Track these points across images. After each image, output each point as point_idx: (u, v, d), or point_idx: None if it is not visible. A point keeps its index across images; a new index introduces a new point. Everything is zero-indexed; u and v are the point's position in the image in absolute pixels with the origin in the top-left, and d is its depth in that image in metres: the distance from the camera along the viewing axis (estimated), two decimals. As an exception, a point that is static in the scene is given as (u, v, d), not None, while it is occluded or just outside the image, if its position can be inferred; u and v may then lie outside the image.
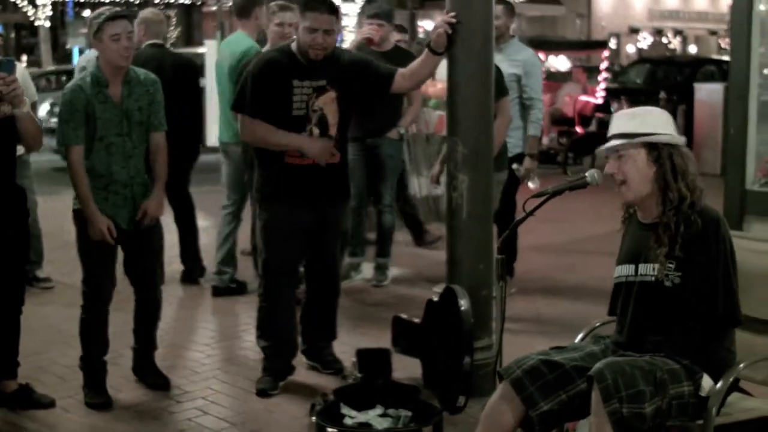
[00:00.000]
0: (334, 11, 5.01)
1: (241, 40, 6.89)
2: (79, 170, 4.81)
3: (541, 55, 16.53)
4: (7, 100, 4.50)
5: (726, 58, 18.80)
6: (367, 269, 7.63)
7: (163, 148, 5.08)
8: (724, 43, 44.38)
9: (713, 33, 46.06)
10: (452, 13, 4.88)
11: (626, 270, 3.62)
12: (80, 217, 4.92)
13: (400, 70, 5.11)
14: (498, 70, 6.25)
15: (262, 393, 5.19)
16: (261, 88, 4.99)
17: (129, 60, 4.89)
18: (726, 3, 43.14)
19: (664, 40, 44.63)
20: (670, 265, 3.44)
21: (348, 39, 17.03)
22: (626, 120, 3.60)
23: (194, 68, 7.90)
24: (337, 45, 5.44)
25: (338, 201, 5.28)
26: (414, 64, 5.09)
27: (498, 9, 5.69)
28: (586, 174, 3.66)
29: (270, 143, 5.04)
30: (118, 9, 4.98)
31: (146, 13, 7.45)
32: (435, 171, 6.93)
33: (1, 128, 4.61)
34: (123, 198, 4.92)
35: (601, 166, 3.78)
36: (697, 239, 3.44)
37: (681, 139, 3.57)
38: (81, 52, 24.39)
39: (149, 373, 5.28)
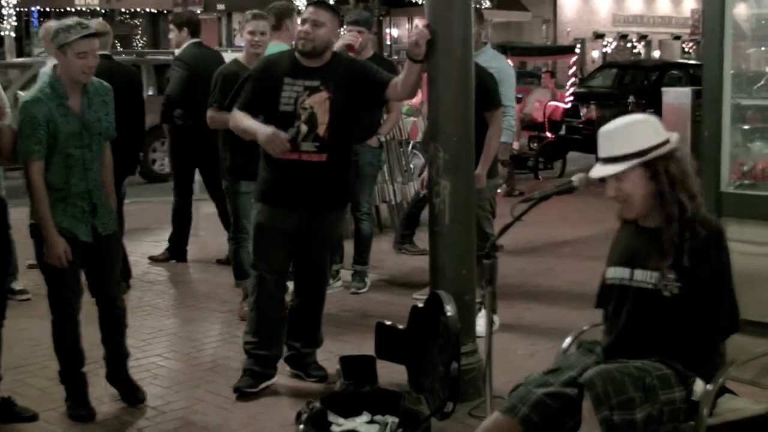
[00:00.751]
0: (326, 7, 5.14)
1: (273, 50, 6.97)
2: (39, 186, 4.69)
3: (510, 62, 16.67)
4: None
5: (692, 62, 19.01)
6: (345, 276, 7.63)
7: (110, 159, 5.08)
8: (688, 47, 44.84)
9: (677, 38, 46.46)
10: (426, 22, 4.92)
11: (621, 273, 3.60)
12: (38, 233, 4.80)
13: (394, 79, 5.16)
14: (494, 80, 6.31)
15: (238, 391, 5.24)
16: (254, 83, 5.21)
17: (88, 77, 4.80)
18: (689, 7, 43.60)
19: (629, 44, 44.98)
20: (670, 276, 3.43)
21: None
22: (612, 141, 3.52)
23: (139, 81, 8.15)
24: (344, 53, 5.62)
25: (328, 206, 5.27)
26: (402, 74, 5.13)
27: None
28: (573, 179, 3.66)
29: (236, 128, 5.26)
30: (87, 25, 4.81)
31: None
32: (425, 176, 6.91)
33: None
34: (81, 210, 4.84)
35: (570, 172, 3.78)
36: (701, 250, 3.43)
37: (673, 138, 3.51)
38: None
39: (124, 387, 5.19)
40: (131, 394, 5.17)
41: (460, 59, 4.99)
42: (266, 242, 5.25)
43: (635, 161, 3.45)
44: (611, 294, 3.65)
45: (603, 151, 3.55)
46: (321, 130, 5.08)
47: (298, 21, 6.42)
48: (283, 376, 5.50)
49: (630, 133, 3.52)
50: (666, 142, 3.50)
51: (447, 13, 4.97)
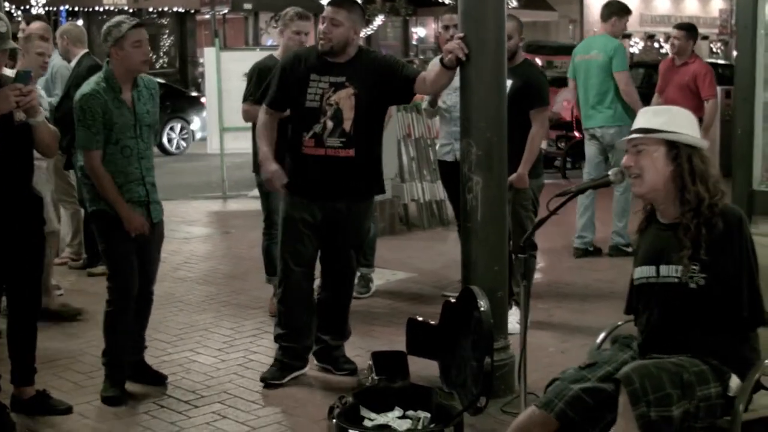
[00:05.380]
0: (345, 5, 5.19)
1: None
2: (102, 172, 4.97)
3: (538, 60, 16.64)
4: (23, 109, 4.57)
5: (720, 61, 18.90)
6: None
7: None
8: (716, 47, 44.56)
9: (705, 38, 46.16)
10: (461, 34, 4.96)
11: (647, 271, 3.60)
12: (101, 218, 5.05)
13: (422, 74, 5.18)
14: (545, 78, 6.26)
15: (264, 382, 5.34)
16: (281, 79, 5.32)
17: (147, 66, 5.08)
18: (717, 7, 43.33)
19: (656, 45, 44.76)
20: (695, 267, 3.43)
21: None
22: (651, 116, 3.61)
23: None
24: (364, 46, 5.61)
25: (354, 198, 5.30)
26: (432, 73, 5.14)
27: (510, 27, 5.62)
28: (609, 173, 3.68)
29: (257, 136, 5.49)
30: (134, 18, 5.14)
31: (69, 26, 7.75)
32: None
33: (17, 136, 4.67)
34: (138, 196, 5.08)
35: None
36: (721, 240, 3.44)
37: (704, 143, 3.58)
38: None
39: (144, 373, 5.35)
40: (152, 376, 5.34)
41: (492, 55, 4.98)
42: (293, 234, 5.32)
43: (664, 136, 3.51)
44: (641, 294, 3.67)
45: (638, 124, 3.62)
46: (347, 125, 5.15)
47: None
48: (315, 371, 5.52)
49: (670, 115, 3.60)
50: (698, 140, 3.56)
51: (480, 10, 4.97)
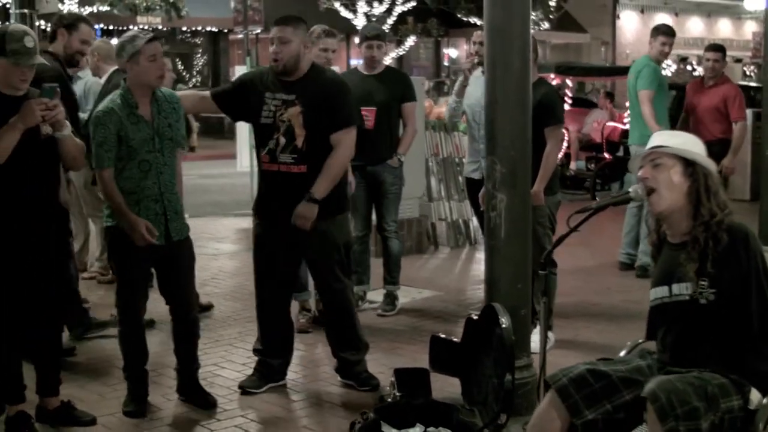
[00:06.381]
0: (288, 22, 5.32)
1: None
2: (113, 189, 4.97)
3: (568, 81, 16.62)
4: (49, 123, 4.63)
5: (752, 84, 18.77)
6: (376, 296, 7.58)
7: (181, 167, 5.45)
8: (749, 70, 44.27)
9: (738, 60, 45.90)
10: None
11: (661, 292, 3.64)
12: (115, 234, 5.05)
13: (340, 135, 5.29)
14: (557, 96, 6.27)
15: (242, 388, 5.50)
16: (238, 85, 5.54)
17: (163, 80, 5.10)
18: (750, 30, 43.10)
19: (689, 67, 44.57)
20: (703, 283, 3.47)
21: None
22: (667, 137, 3.69)
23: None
24: (322, 65, 5.77)
25: (321, 213, 5.29)
26: (344, 153, 5.34)
27: None
28: (630, 189, 3.69)
29: None
30: (149, 32, 5.15)
31: (99, 43, 7.92)
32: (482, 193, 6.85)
33: (44, 149, 4.73)
34: (154, 213, 5.04)
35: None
36: (728, 254, 3.47)
37: (714, 167, 3.65)
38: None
39: (194, 393, 5.33)
40: (202, 399, 5.31)
41: (518, 72, 4.98)
42: (263, 254, 5.48)
43: (682, 153, 3.58)
44: (656, 315, 3.70)
45: (653, 143, 3.68)
46: (299, 142, 5.26)
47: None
48: (336, 387, 5.55)
49: (684, 137, 3.71)
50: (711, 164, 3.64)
51: (506, 26, 4.97)
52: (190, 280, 5.34)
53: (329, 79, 5.46)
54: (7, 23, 4.85)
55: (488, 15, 5.03)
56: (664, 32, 8.67)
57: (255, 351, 5.66)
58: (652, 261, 3.89)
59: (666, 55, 8.68)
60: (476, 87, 6.51)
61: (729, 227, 3.51)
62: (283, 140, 5.26)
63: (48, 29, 7.00)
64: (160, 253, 5.06)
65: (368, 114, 6.89)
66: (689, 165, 3.56)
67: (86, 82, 7.76)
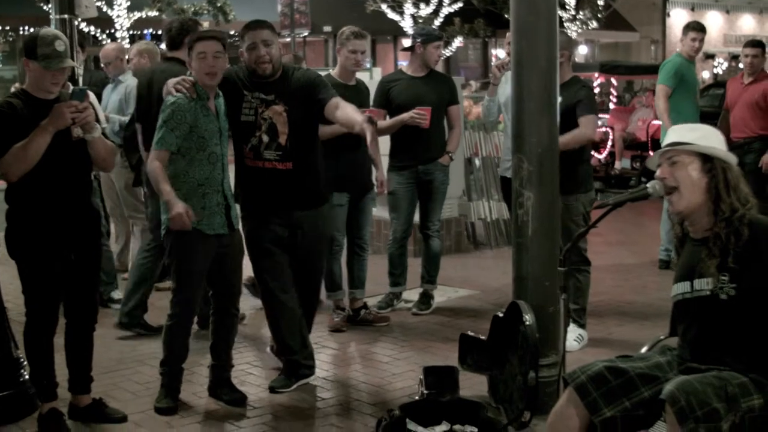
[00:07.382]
0: (262, 25, 5.34)
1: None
2: (161, 172, 4.99)
3: (613, 80, 16.48)
4: (79, 125, 4.70)
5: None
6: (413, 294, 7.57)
7: None
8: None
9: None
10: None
11: (682, 288, 3.61)
12: (172, 236, 5.07)
13: (335, 101, 5.24)
14: (588, 92, 6.25)
15: (271, 390, 5.52)
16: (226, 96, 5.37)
17: (213, 78, 5.09)
18: (803, 26, 42.47)
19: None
20: (724, 278, 3.43)
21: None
22: (684, 132, 3.62)
23: None
24: (291, 64, 5.85)
25: (304, 205, 5.42)
26: (349, 113, 5.16)
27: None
28: (647, 185, 3.66)
29: None
30: (208, 30, 5.23)
31: (145, 44, 8.11)
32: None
33: (75, 152, 4.81)
34: (217, 203, 5.14)
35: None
36: (750, 249, 3.42)
37: (734, 159, 3.59)
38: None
39: (226, 390, 5.38)
40: (233, 395, 5.36)
41: (544, 70, 4.98)
42: (259, 252, 5.47)
43: (699, 149, 3.53)
44: (678, 311, 3.67)
45: (671, 138, 3.63)
46: (282, 139, 5.31)
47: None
48: (366, 385, 5.58)
49: (701, 131, 3.62)
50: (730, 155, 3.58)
51: (533, 24, 4.96)
52: (240, 271, 5.47)
53: (300, 73, 5.48)
54: (38, 28, 4.90)
55: (514, 14, 5.03)
56: (694, 28, 8.60)
57: (271, 348, 5.77)
58: (675, 255, 3.83)
59: (697, 51, 8.57)
60: (509, 86, 6.49)
61: (750, 221, 3.46)
62: (266, 138, 5.31)
63: (90, 32, 7.15)
64: (223, 242, 5.18)
65: (425, 113, 6.82)
66: (707, 160, 3.52)
67: (127, 85, 7.85)
